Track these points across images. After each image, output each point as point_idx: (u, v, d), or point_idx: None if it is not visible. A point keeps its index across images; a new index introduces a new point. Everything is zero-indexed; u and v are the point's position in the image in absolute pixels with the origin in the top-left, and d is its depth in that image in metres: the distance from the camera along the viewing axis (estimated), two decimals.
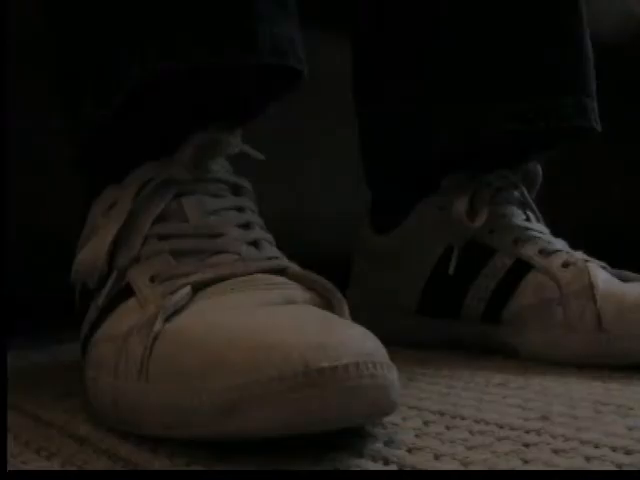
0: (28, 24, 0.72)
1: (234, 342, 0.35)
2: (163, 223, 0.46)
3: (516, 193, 0.68)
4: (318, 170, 1.00)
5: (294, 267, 0.44)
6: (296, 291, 0.42)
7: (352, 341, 0.35)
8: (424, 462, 0.35)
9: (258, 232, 0.47)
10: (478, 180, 0.67)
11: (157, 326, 0.39)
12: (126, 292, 0.44)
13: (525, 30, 0.65)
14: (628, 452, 0.35)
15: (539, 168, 0.69)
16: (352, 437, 0.37)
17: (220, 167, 0.48)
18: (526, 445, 0.37)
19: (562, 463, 0.34)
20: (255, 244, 0.46)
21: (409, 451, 0.36)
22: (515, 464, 0.34)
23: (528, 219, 0.68)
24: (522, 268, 0.64)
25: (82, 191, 0.52)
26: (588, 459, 0.35)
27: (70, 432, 0.42)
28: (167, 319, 0.40)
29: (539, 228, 0.67)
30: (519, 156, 0.70)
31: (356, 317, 0.41)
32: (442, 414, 0.43)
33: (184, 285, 0.41)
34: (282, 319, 0.37)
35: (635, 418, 0.42)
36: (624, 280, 0.61)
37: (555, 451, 0.36)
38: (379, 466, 0.34)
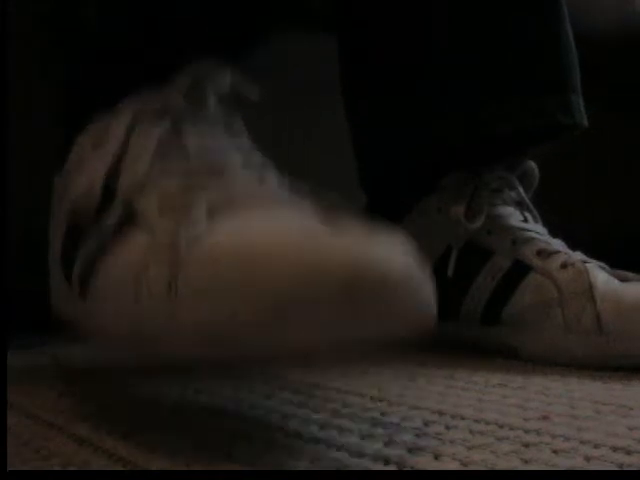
0: (28, 23, 0.72)
1: (271, 249, 0.32)
2: (163, 155, 0.43)
3: (513, 194, 0.68)
4: (317, 170, 1.00)
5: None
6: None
7: (390, 255, 0.32)
8: (424, 462, 0.35)
9: (261, 169, 0.44)
10: (476, 181, 0.67)
11: (181, 245, 0.36)
12: (130, 221, 0.41)
13: (506, 30, 0.65)
14: (628, 452, 0.35)
15: (536, 168, 0.70)
16: (352, 437, 0.37)
17: (214, 103, 0.45)
18: (526, 445, 0.37)
19: (562, 463, 0.34)
20: (261, 180, 0.43)
21: (409, 451, 0.36)
22: (515, 464, 0.34)
23: (525, 220, 0.68)
24: (521, 269, 0.64)
25: (64, 123, 0.49)
26: (588, 459, 0.35)
27: (70, 432, 0.42)
28: (188, 240, 0.36)
29: (537, 229, 0.67)
30: (511, 155, 0.70)
31: None
32: (442, 414, 0.43)
33: (199, 206, 0.38)
34: (317, 228, 0.34)
35: (635, 418, 0.42)
36: (623, 280, 0.61)
37: (555, 451, 0.36)
38: (379, 466, 0.34)
